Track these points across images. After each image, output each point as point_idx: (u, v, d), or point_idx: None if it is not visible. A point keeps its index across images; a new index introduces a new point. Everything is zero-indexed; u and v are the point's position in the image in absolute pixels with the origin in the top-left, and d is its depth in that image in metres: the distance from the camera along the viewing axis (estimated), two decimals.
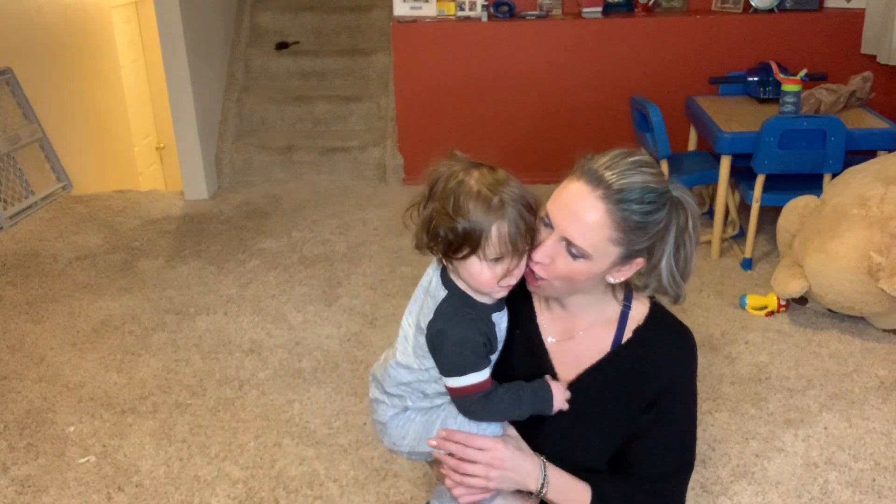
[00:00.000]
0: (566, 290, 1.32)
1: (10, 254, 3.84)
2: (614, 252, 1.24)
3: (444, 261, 1.27)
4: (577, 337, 1.39)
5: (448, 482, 1.36)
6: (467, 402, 1.30)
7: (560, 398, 1.33)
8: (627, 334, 1.37)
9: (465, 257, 1.21)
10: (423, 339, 1.30)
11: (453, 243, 1.20)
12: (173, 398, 2.69)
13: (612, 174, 1.22)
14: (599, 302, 1.38)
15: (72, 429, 2.55)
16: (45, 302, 3.37)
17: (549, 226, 1.26)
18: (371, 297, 3.37)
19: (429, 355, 1.31)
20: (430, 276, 1.34)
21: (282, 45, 5.19)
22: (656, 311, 1.40)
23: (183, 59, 4.31)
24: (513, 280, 1.25)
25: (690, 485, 2.21)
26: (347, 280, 3.52)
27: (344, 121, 4.98)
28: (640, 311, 1.39)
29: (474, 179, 1.21)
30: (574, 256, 1.24)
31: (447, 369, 1.29)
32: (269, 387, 2.75)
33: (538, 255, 1.25)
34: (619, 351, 1.36)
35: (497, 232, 1.19)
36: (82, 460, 2.40)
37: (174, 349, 2.99)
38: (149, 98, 6.62)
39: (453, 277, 1.29)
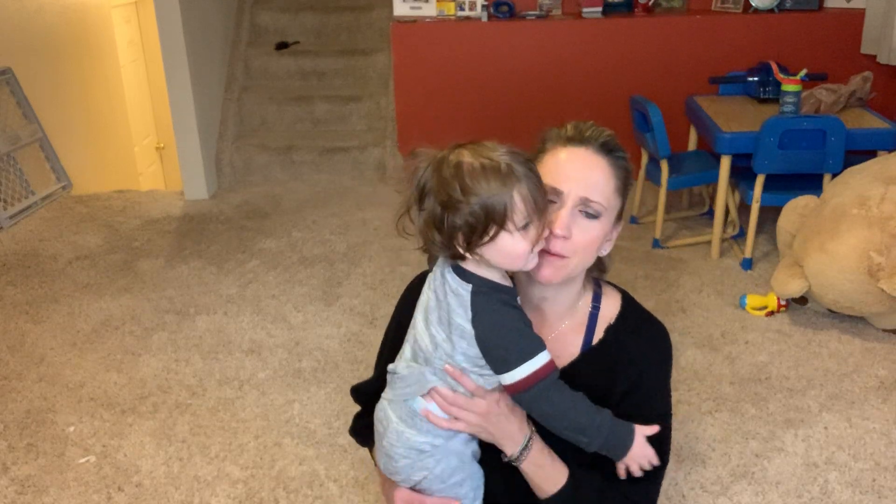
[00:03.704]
0: (578, 269, 1.28)
1: (10, 254, 3.84)
2: (617, 205, 1.28)
3: (466, 253, 1.14)
4: (545, 343, 1.34)
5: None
6: (541, 392, 1.16)
7: (641, 450, 1.19)
8: (598, 335, 1.33)
9: (493, 237, 1.11)
10: (464, 344, 1.18)
11: (477, 227, 1.10)
12: (173, 398, 2.69)
13: (591, 132, 1.26)
14: (574, 303, 1.34)
15: (72, 429, 2.55)
16: (45, 302, 3.37)
17: (553, 200, 1.23)
18: (371, 297, 3.37)
19: (480, 359, 1.19)
20: (436, 283, 1.21)
21: (282, 45, 5.19)
22: (629, 308, 1.36)
23: (183, 59, 4.31)
24: (544, 243, 1.19)
25: (690, 485, 2.21)
26: (347, 280, 3.52)
27: (344, 121, 4.98)
28: (610, 309, 1.35)
29: (468, 156, 1.12)
30: (590, 217, 1.23)
31: (516, 357, 1.15)
32: (269, 387, 2.75)
33: (559, 228, 1.20)
34: (589, 352, 1.32)
35: (519, 195, 1.10)
36: (82, 460, 2.40)
37: (174, 349, 2.99)
38: (149, 98, 6.63)
39: (470, 268, 1.17)
